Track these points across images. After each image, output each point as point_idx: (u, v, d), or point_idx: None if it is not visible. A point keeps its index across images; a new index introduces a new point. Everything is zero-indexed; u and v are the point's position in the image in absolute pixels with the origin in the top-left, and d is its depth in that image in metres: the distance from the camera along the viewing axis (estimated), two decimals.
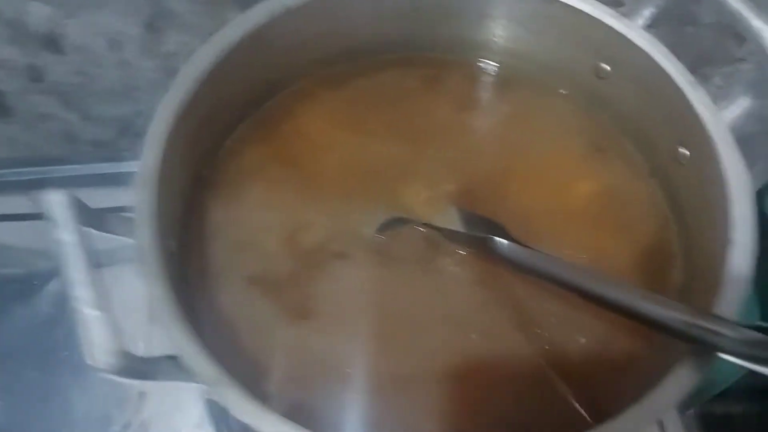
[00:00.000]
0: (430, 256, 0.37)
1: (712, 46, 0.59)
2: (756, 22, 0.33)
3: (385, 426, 0.32)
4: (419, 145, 0.41)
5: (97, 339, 0.25)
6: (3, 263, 0.52)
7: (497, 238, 0.35)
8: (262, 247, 0.36)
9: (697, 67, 0.60)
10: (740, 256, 0.31)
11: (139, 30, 0.53)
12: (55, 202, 0.26)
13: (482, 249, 0.36)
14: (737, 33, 0.57)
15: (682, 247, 0.38)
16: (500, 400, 0.33)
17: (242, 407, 0.27)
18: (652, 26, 0.55)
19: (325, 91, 0.42)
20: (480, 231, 0.36)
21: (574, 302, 0.34)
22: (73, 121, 0.62)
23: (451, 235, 0.37)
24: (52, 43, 0.53)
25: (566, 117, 0.42)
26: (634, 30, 0.38)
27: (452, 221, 0.38)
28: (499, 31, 0.42)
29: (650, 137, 0.40)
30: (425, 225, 0.38)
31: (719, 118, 0.35)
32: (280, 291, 0.35)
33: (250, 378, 0.33)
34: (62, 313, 0.49)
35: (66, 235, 0.26)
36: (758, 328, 0.28)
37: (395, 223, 0.38)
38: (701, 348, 0.28)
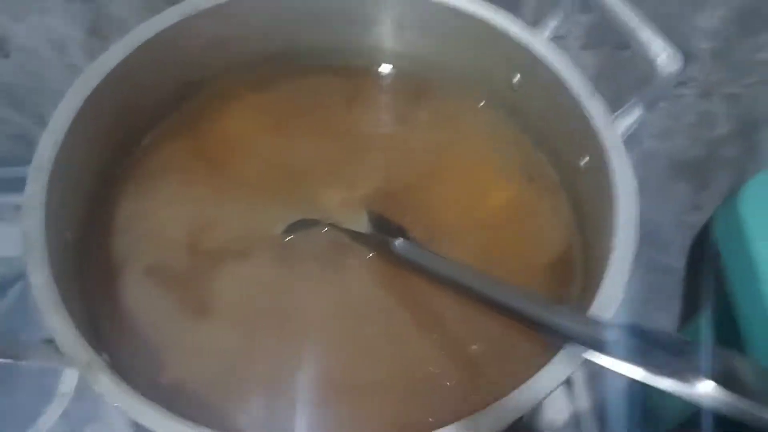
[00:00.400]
0: (334, 258, 0.38)
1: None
2: (644, 33, 0.34)
3: (271, 416, 0.32)
4: (337, 150, 0.42)
5: None
6: None
7: (397, 240, 0.36)
8: (166, 240, 0.37)
9: (635, 90, 0.62)
10: (620, 260, 0.32)
11: (83, 35, 0.54)
12: None
13: (384, 250, 0.37)
14: None
15: (582, 256, 0.38)
16: (391, 396, 0.34)
17: (116, 393, 0.28)
18: (585, 48, 0.57)
19: (246, 93, 0.43)
20: (385, 234, 0.37)
21: (469, 305, 0.34)
22: (27, 124, 0.63)
23: (355, 236, 0.38)
24: None
25: (483, 127, 0.43)
26: (539, 42, 0.38)
27: (361, 224, 0.39)
28: (418, 42, 0.43)
29: (558, 148, 0.40)
30: (331, 226, 0.38)
31: (613, 127, 0.35)
32: (179, 285, 0.36)
33: (148, 369, 0.33)
34: None
35: None
36: (634, 329, 0.29)
37: (303, 224, 0.39)
38: (574, 345, 0.29)
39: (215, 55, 0.42)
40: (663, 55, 0.34)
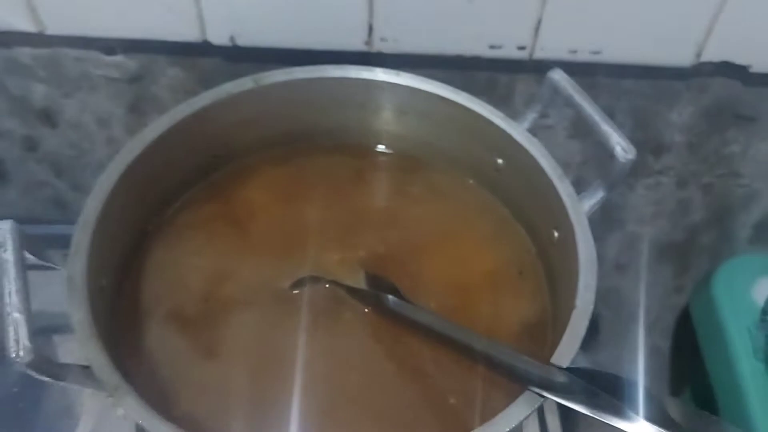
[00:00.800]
0: (333, 312, 0.43)
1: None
2: (604, 127, 0.40)
3: None
4: (341, 218, 0.48)
5: (21, 338, 0.30)
6: None
7: (389, 295, 0.41)
8: (186, 287, 0.43)
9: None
10: (579, 318, 0.37)
11: (124, 111, 0.61)
12: (4, 227, 0.33)
13: (378, 305, 0.42)
14: (655, 148, 0.65)
15: (552, 318, 0.43)
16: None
17: (139, 413, 0.32)
18: (571, 137, 0.63)
19: (265, 167, 0.50)
20: (380, 290, 0.42)
21: (450, 362, 0.39)
22: (64, 189, 0.69)
23: (352, 291, 0.43)
24: (48, 118, 0.62)
25: (470, 203, 0.49)
26: (519, 132, 0.45)
27: (359, 282, 0.44)
28: (415, 126, 0.49)
29: (535, 223, 0.46)
30: (332, 282, 0.43)
31: (579, 206, 0.41)
32: (194, 329, 0.41)
33: (163, 403, 0.38)
34: None
35: (7, 254, 0.32)
36: (582, 374, 0.34)
37: (309, 280, 0.44)
38: (535, 389, 0.34)
39: (240, 133, 0.48)
40: (618, 147, 0.40)
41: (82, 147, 0.64)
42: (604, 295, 0.80)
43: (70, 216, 0.70)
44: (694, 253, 0.75)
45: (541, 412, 0.56)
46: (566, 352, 0.35)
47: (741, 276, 0.68)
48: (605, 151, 0.41)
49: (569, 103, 0.43)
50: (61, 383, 0.33)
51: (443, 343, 0.40)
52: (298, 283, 0.44)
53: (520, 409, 0.33)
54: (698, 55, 0.55)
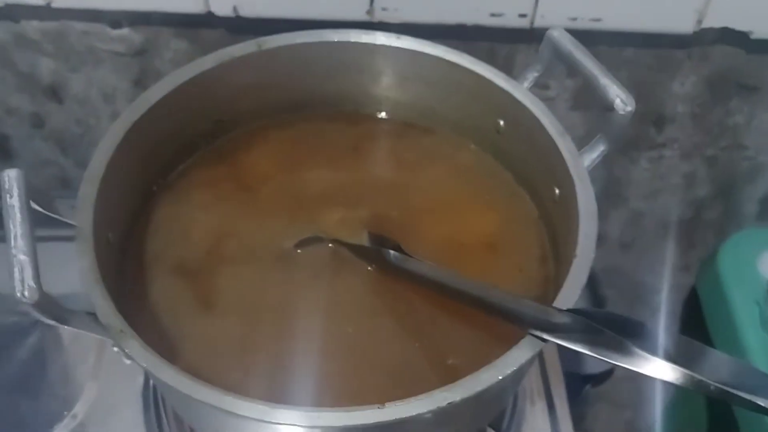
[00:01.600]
0: (335, 269, 0.43)
1: (635, 132, 0.66)
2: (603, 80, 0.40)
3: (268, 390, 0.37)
4: (343, 182, 0.48)
5: (26, 278, 0.31)
6: None
7: (390, 251, 0.41)
8: (189, 240, 0.43)
9: (624, 150, 0.68)
10: (579, 267, 0.37)
11: (129, 85, 0.62)
12: (10, 174, 0.33)
13: (379, 260, 0.42)
14: (657, 119, 0.65)
15: (555, 277, 0.43)
16: (372, 380, 0.38)
17: (143, 356, 0.33)
18: (573, 109, 0.64)
19: (269, 132, 0.50)
20: (383, 247, 0.42)
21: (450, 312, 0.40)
22: (69, 166, 0.70)
23: (355, 249, 0.43)
24: (54, 93, 0.62)
25: (472, 168, 0.49)
26: (520, 90, 0.45)
27: (361, 241, 0.44)
28: (417, 91, 0.50)
29: (537, 183, 0.46)
30: (335, 241, 0.44)
31: (579, 160, 0.41)
32: (196, 283, 0.41)
33: (165, 356, 0.38)
34: None
35: (13, 200, 0.33)
36: (583, 313, 0.34)
37: (312, 240, 0.44)
38: (536, 332, 0.34)
39: (243, 99, 0.49)
40: (618, 99, 0.40)
41: (87, 123, 0.65)
42: (608, 275, 0.80)
43: (75, 194, 0.72)
44: (700, 230, 0.75)
45: (547, 385, 0.56)
46: (568, 298, 0.35)
47: (747, 249, 0.68)
48: (606, 105, 0.41)
49: (569, 59, 0.43)
50: (66, 327, 0.33)
51: (444, 294, 0.40)
52: (302, 243, 0.44)
53: (521, 353, 0.33)
54: (699, 21, 0.55)
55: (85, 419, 0.52)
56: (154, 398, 0.52)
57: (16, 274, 0.31)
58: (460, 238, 0.46)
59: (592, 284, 0.72)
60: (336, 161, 0.50)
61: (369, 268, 0.43)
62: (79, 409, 0.52)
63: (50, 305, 0.32)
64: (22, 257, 0.31)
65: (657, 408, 0.99)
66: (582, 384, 0.81)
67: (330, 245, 0.44)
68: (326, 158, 0.50)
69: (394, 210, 0.47)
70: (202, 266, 0.42)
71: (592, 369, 0.78)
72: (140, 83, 0.61)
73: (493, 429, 0.48)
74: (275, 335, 0.40)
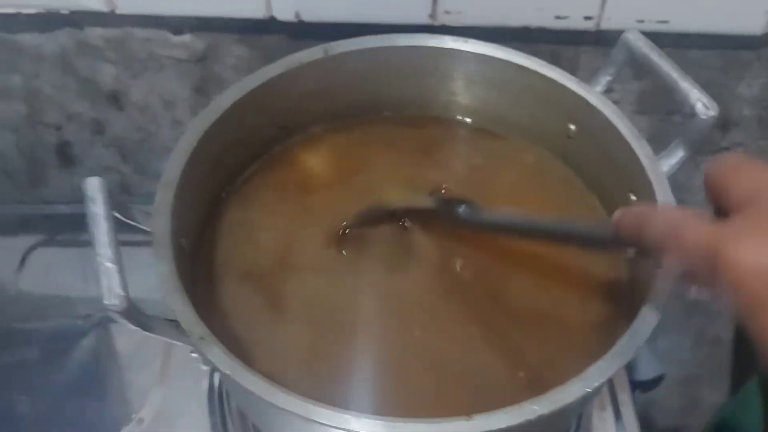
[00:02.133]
0: (400, 266, 0.43)
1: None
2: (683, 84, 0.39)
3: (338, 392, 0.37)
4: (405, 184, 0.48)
5: (113, 286, 0.31)
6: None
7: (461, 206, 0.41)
8: (256, 245, 0.44)
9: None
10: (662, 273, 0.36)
11: (189, 92, 0.62)
12: (93, 183, 0.34)
13: (449, 218, 0.42)
14: (723, 123, 0.63)
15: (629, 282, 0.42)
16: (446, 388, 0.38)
17: (225, 362, 0.33)
18: (638, 113, 0.62)
19: (333, 136, 0.50)
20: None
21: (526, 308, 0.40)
22: (129, 173, 0.71)
23: (421, 213, 0.43)
24: (115, 100, 0.63)
25: (541, 171, 0.49)
26: (593, 95, 0.44)
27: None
28: (485, 95, 0.49)
29: (608, 187, 0.45)
30: (398, 210, 0.44)
31: (658, 165, 0.40)
32: (262, 286, 0.42)
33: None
34: None
35: (97, 208, 0.33)
36: None
37: (372, 213, 0.44)
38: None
39: (308, 104, 0.49)
40: (700, 103, 0.39)
41: (148, 130, 0.66)
42: None
43: (134, 200, 0.73)
44: None
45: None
46: (656, 306, 0.35)
47: None
48: (686, 110, 0.40)
49: (645, 63, 0.42)
50: (149, 334, 0.33)
51: (525, 237, 0.40)
52: (361, 219, 0.44)
53: (607, 365, 0.33)
54: None
55: (152, 422, 0.52)
56: (219, 401, 0.52)
57: (104, 282, 0.31)
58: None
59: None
60: (398, 165, 0.49)
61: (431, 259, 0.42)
62: (146, 412, 0.53)
63: (136, 313, 0.32)
64: (109, 265, 0.32)
65: (708, 416, 0.96)
66: (632, 390, 0.80)
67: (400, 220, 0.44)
68: (388, 162, 0.49)
69: None
70: (269, 271, 0.43)
71: (642, 375, 0.77)
72: (201, 90, 0.62)
73: None
74: (343, 340, 0.40)
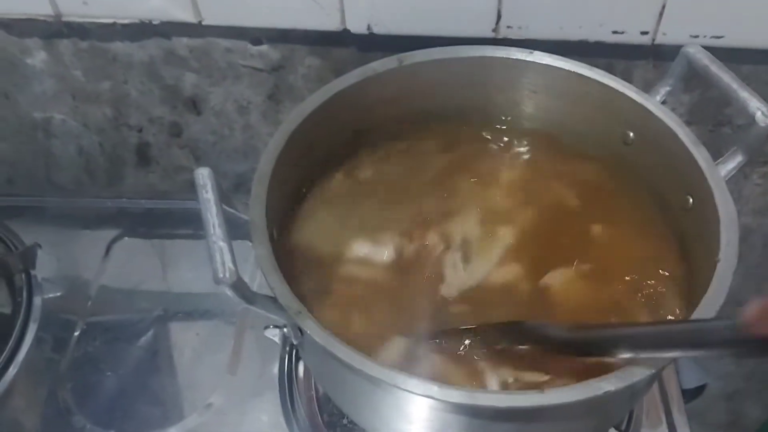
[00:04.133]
0: None
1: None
2: (743, 94, 0.42)
3: None
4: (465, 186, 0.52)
5: (226, 261, 0.35)
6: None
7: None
8: (327, 239, 0.48)
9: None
10: (724, 270, 0.38)
11: (263, 99, 0.66)
12: (203, 173, 0.38)
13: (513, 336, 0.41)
14: None
15: (686, 281, 0.45)
16: None
17: (320, 334, 0.36)
18: (688, 124, 0.65)
19: (404, 143, 0.54)
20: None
21: None
22: None
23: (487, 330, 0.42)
24: (194, 105, 0.68)
25: (593, 177, 0.52)
26: (653, 103, 0.47)
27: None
28: (546, 104, 0.52)
29: (665, 192, 0.48)
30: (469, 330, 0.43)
31: (716, 170, 0.43)
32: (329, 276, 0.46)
33: None
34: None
35: (208, 194, 0.37)
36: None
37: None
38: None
39: (381, 111, 0.52)
40: (759, 112, 0.41)
41: (221, 133, 0.70)
42: None
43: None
44: None
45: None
46: (713, 301, 0.37)
47: None
48: (745, 118, 0.42)
49: (705, 74, 0.45)
50: (252, 307, 0.37)
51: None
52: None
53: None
54: None
55: (223, 407, 0.56)
56: (288, 387, 0.55)
57: (217, 258, 0.35)
58: (584, 248, 0.48)
59: None
60: (458, 168, 0.53)
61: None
62: (216, 398, 0.56)
63: (243, 287, 0.36)
64: (222, 243, 0.35)
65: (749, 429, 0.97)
66: None
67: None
68: (450, 166, 0.53)
69: (515, 216, 0.50)
70: (335, 263, 0.47)
71: (685, 384, 0.78)
72: (273, 97, 0.66)
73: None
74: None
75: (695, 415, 0.97)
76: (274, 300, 0.38)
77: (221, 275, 0.34)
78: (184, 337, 0.61)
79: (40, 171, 0.76)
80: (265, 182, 0.43)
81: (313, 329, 0.36)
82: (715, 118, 0.64)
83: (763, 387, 0.93)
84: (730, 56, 0.59)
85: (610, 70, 0.61)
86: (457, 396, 0.34)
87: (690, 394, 0.81)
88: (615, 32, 0.57)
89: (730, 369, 0.91)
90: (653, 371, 0.34)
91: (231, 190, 0.75)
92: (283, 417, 0.54)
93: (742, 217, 0.72)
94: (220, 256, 0.35)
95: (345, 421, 0.54)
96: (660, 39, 0.57)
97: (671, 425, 0.53)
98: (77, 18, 0.61)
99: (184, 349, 0.61)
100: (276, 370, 0.57)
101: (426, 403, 0.37)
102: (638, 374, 0.34)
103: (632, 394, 0.41)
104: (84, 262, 0.66)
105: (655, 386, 0.55)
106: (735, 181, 0.69)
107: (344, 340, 0.36)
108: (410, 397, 0.35)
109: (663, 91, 0.48)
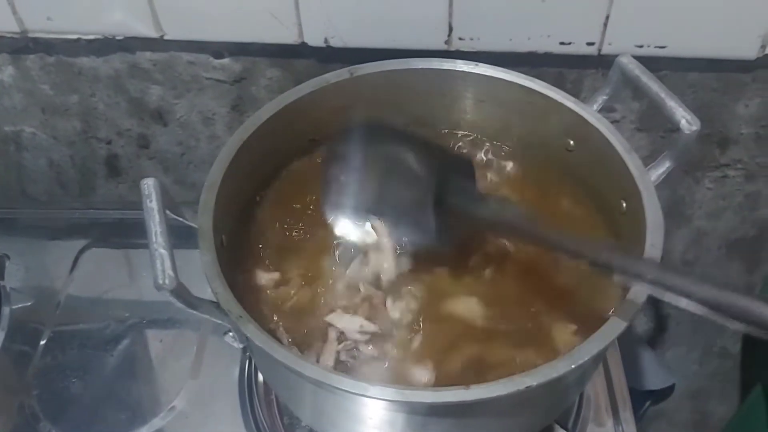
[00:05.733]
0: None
1: (699, 153, 0.69)
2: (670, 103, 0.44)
3: None
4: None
5: (166, 269, 0.36)
6: None
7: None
8: (280, 243, 0.50)
9: (688, 170, 0.71)
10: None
11: (227, 110, 0.68)
12: (149, 183, 0.39)
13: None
14: (721, 141, 0.67)
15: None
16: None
17: (259, 337, 0.38)
18: (638, 131, 0.67)
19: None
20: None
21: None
22: (169, 184, 0.77)
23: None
24: (160, 117, 0.69)
25: (543, 182, 0.53)
26: (589, 112, 0.49)
27: None
28: (491, 113, 0.54)
29: (603, 195, 0.50)
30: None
31: (646, 174, 0.45)
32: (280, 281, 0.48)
33: None
34: None
35: (152, 203, 0.39)
36: None
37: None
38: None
39: (334, 120, 0.54)
40: (684, 120, 0.43)
41: (188, 144, 0.72)
42: None
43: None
44: (764, 250, 0.77)
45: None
46: (636, 298, 0.39)
47: None
48: (672, 126, 0.44)
49: (637, 84, 0.47)
50: (195, 312, 0.38)
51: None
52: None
53: (591, 346, 0.37)
54: (764, 46, 0.58)
55: (185, 409, 0.57)
56: (248, 390, 0.57)
57: (158, 265, 0.36)
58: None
59: (656, 301, 0.74)
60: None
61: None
62: (180, 401, 0.58)
63: (184, 293, 0.37)
64: (162, 251, 0.37)
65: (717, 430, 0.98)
66: (642, 401, 0.82)
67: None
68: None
69: None
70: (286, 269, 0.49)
71: (653, 385, 0.80)
72: (237, 108, 0.68)
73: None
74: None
75: (662, 415, 0.99)
76: (217, 305, 0.39)
77: (161, 281, 0.36)
78: (149, 343, 0.63)
79: (13, 183, 0.77)
80: (214, 190, 0.44)
81: (253, 333, 0.38)
82: (665, 125, 0.66)
83: (727, 385, 0.94)
84: (675, 65, 0.61)
85: (560, 79, 0.63)
86: (389, 394, 0.36)
87: (658, 395, 0.82)
88: (562, 43, 0.59)
89: (695, 368, 0.93)
90: (572, 366, 0.36)
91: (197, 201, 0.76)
92: (242, 419, 0.56)
93: (696, 221, 0.74)
94: (161, 263, 0.37)
95: (304, 424, 0.55)
96: (606, 49, 0.59)
97: (617, 423, 0.55)
98: (43, 34, 0.62)
99: (148, 356, 0.62)
100: (237, 374, 0.59)
101: (363, 402, 0.38)
102: (560, 369, 0.36)
103: (563, 388, 0.43)
104: (53, 271, 0.67)
105: (603, 385, 0.57)
106: (687, 187, 0.71)
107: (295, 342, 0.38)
108: (350, 397, 0.37)
109: (600, 99, 0.50)
